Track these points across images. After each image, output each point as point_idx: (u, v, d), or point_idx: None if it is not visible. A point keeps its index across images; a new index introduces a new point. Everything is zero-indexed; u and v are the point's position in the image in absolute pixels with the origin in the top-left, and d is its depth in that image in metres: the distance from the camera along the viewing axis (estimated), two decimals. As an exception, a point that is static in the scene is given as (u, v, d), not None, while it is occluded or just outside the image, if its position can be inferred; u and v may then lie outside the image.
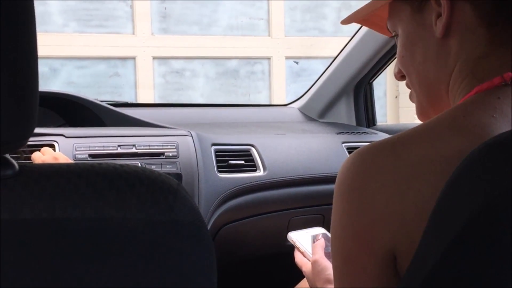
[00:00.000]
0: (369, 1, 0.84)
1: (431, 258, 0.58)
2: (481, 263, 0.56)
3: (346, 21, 0.88)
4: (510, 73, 0.70)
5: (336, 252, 0.72)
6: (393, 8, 0.81)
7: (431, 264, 0.58)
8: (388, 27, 0.84)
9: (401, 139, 0.69)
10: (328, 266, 0.96)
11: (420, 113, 0.83)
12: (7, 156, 0.54)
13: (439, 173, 0.64)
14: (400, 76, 0.84)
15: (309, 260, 1.03)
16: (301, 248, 1.07)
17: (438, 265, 0.57)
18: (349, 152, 1.77)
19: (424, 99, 0.81)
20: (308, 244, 1.07)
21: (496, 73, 0.71)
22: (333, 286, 0.79)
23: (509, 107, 0.68)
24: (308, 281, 1.03)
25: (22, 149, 0.55)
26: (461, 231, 0.56)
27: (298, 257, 1.07)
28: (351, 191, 0.69)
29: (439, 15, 0.74)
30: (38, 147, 1.38)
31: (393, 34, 0.83)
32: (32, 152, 1.32)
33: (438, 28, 0.74)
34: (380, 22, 0.87)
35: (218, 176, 1.57)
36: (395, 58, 0.85)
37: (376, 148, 0.69)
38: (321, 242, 1.04)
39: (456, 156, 0.63)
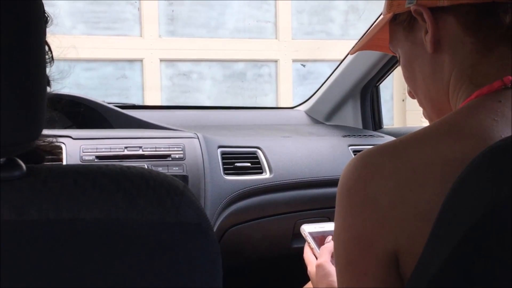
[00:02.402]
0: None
1: (436, 261, 0.58)
2: (487, 266, 0.56)
3: (353, 51, 0.92)
4: (510, 77, 0.71)
5: (338, 254, 0.72)
6: (391, 31, 0.83)
7: (436, 268, 0.58)
8: (390, 49, 0.86)
9: (403, 142, 0.69)
10: (331, 272, 0.96)
11: None
12: (15, 157, 0.55)
13: (440, 176, 0.64)
14: (412, 95, 0.86)
15: (317, 258, 1.03)
16: (311, 244, 1.06)
17: (444, 268, 0.57)
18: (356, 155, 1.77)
19: (432, 114, 0.83)
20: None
21: (493, 78, 0.72)
22: None
23: (510, 110, 0.69)
24: (311, 281, 1.03)
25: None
26: (466, 234, 0.56)
27: (306, 254, 1.07)
28: (353, 194, 0.69)
29: (426, 32, 0.76)
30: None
31: (397, 56, 0.85)
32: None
33: (427, 44, 0.76)
34: (385, 44, 0.88)
35: (224, 178, 1.57)
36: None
37: (378, 151, 0.70)
38: (329, 245, 1.03)
39: (458, 159, 0.63)
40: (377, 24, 0.84)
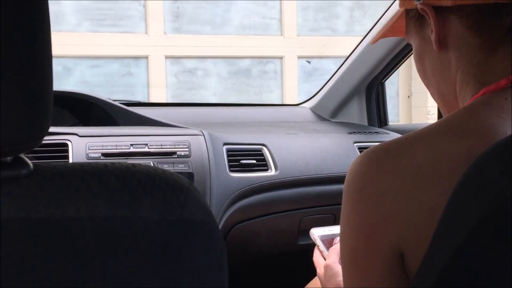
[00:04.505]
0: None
1: (442, 258, 0.58)
2: (493, 263, 0.56)
3: (374, 40, 0.94)
4: None
5: (344, 251, 0.73)
6: (406, 23, 0.84)
7: (442, 265, 0.58)
8: (406, 39, 0.86)
9: (409, 140, 0.69)
10: (339, 272, 0.96)
11: None
12: (22, 155, 0.55)
13: (446, 173, 0.65)
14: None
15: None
16: (320, 247, 1.07)
17: (449, 265, 0.57)
18: (361, 152, 1.77)
19: (443, 107, 0.84)
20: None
21: (498, 76, 0.72)
22: None
23: None
24: (320, 283, 1.03)
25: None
26: (472, 231, 0.56)
27: (316, 257, 1.07)
28: (359, 191, 0.70)
29: (432, 30, 0.76)
30: (52, 146, 1.39)
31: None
32: (46, 151, 1.33)
33: (432, 42, 0.76)
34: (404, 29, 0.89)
35: (230, 175, 1.57)
36: (407, 58, 0.87)
37: (384, 148, 0.70)
38: (337, 246, 1.04)
39: (463, 156, 0.64)
40: (394, 15, 0.86)
